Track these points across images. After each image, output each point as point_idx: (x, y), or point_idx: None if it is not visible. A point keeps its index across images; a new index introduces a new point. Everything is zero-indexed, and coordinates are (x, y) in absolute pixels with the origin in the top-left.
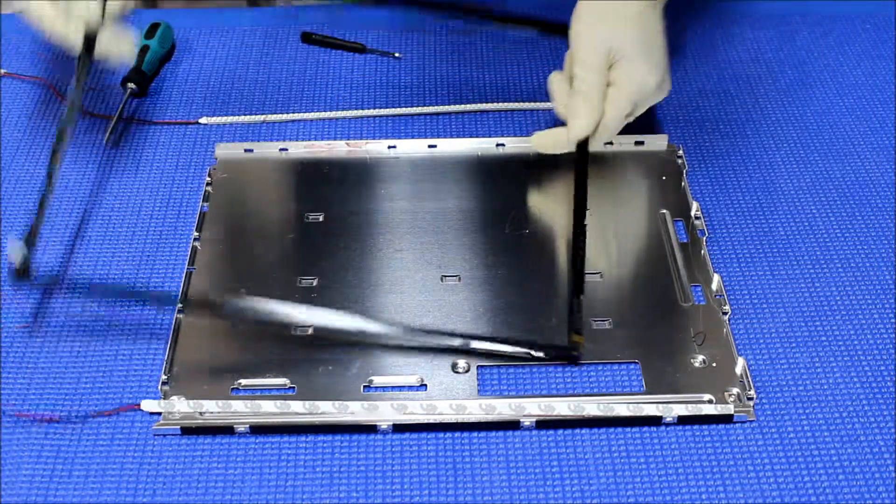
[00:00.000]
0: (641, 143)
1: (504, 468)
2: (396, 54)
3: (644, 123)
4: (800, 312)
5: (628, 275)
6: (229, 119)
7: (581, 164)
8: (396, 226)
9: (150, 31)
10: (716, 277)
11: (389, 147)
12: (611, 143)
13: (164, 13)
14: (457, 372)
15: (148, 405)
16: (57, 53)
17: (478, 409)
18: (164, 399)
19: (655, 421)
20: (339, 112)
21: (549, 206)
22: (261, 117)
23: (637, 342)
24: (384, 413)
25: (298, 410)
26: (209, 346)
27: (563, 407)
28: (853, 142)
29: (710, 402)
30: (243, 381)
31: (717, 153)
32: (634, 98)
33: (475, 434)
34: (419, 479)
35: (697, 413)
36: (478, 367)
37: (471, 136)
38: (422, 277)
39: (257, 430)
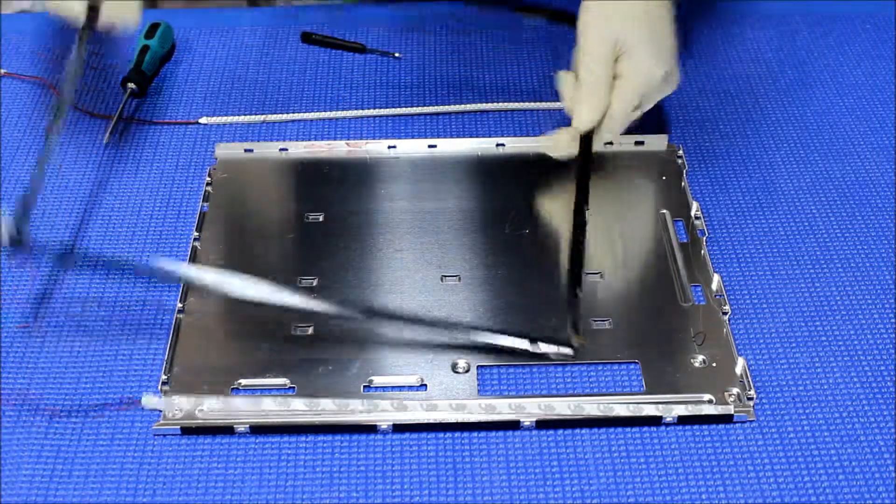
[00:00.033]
0: (641, 143)
1: (504, 468)
2: (396, 54)
3: (644, 123)
4: (800, 312)
5: (628, 275)
6: (229, 119)
7: (584, 158)
8: (396, 226)
9: (150, 31)
10: (716, 277)
11: (389, 147)
12: (611, 143)
13: (164, 13)
14: (457, 372)
15: (148, 400)
16: (57, 53)
17: (478, 409)
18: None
19: (655, 421)
20: (339, 112)
21: (549, 205)
22: (261, 117)
23: (637, 342)
24: (384, 413)
25: (299, 408)
26: (209, 346)
27: (563, 407)
28: (853, 142)
29: (710, 402)
30: (243, 381)
31: (717, 153)
32: (641, 90)
33: (475, 434)
34: (419, 479)
35: (697, 413)
36: (478, 367)
37: (471, 136)
38: (422, 277)
39: (257, 430)
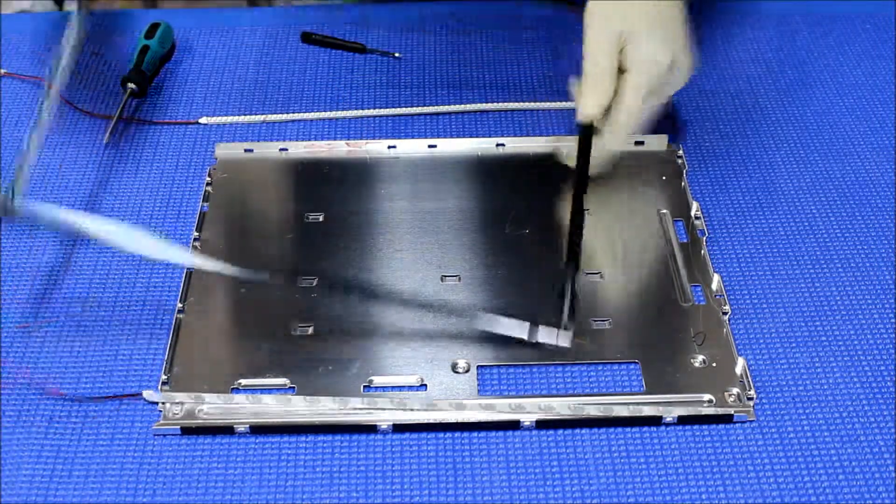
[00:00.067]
0: (641, 143)
1: (504, 468)
2: (396, 54)
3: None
4: (800, 312)
5: (628, 275)
6: (229, 119)
7: (583, 150)
8: (396, 226)
9: (150, 31)
10: (716, 277)
11: (389, 147)
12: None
13: (164, 13)
14: (457, 372)
15: (149, 395)
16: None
17: (478, 409)
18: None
19: (655, 421)
20: (339, 112)
21: (549, 206)
22: (261, 117)
23: (637, 342)
24: (384, 413)
25: (299, 408)
26: (209, 346)
27: (563, 407)
28: (853, 142)
29: (710, 402)
30: (243, 381)
31: (717, 153)
32: (646, 79)
33: (475, 434)
34: (419, 479)
35: (697, 413)
36: (478, 367)
37: (471, 136)
38: (422, 277)
39: (257, 430)
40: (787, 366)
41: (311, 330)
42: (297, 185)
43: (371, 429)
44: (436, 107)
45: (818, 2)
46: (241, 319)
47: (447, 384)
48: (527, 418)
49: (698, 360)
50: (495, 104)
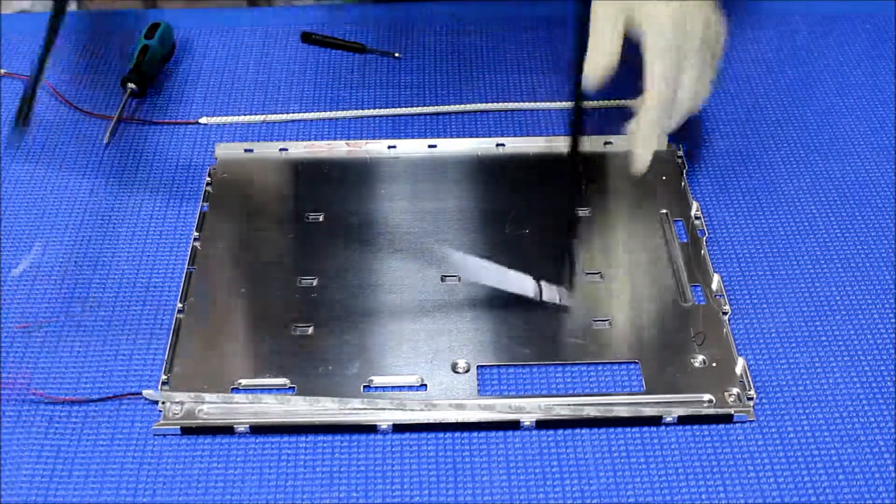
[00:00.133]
0: None
1: (504, 468)
2: (396, 54)
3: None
4: (800, 312)
5: (628, 275)
6: (229, 119)
7: (577, 107)
8: (396, 226)
9: (150, 31)
10: (716, 277)
11: (389, 147)
12: (610, 142)
13: (164, 13)
14: (457, 372)
15: (149, 394)
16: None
17: (478, 409)
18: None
19: (655, 421)
20: (339, 112)
21: (549, 206)
22: (261, 117)
23: (637, 342)
24: (384, 413)
25: (299, 405)
26: (209, 346)
27: (562, 407)
28: (853, 142)
29: (710, 402)
30: (243, 382)
31: (717, 153)
32: (651, 42)
33: (475, 434)
34: (419, 479)
35: (697, 413)
36: (478, 367)
37: (471, 136)
38: (422, 277)
39: (257, 430)
40: (787, 366)
41: (311, 330)
42: (297, 185)
43: (371, 429)
44: (436, 107)
45: (818, 2)
46: (240, 319)
47: (447, 384)
48: (527, 418)
49: (698, 360)
50: (495, 104)
